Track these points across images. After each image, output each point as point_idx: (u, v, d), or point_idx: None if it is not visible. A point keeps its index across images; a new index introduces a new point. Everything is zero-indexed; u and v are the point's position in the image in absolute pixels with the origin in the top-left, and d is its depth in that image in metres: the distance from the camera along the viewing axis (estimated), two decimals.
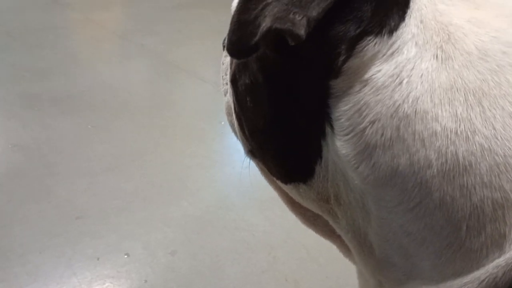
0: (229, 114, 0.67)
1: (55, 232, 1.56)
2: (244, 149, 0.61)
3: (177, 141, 2.04)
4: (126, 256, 1.50)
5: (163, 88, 2.47)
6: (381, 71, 0.43)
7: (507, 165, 0.41)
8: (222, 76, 0.73)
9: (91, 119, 2.15)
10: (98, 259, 1.48)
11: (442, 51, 0.43)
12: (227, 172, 1.88)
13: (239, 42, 0.44)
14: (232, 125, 0.65)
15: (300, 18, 0.41)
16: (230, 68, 0.58)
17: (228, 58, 0.68)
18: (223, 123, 2.17)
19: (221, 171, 1.89)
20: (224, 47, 0.75)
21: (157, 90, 2.46)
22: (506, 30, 0.44)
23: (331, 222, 0.55)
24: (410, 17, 0.44)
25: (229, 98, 0.64)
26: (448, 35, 0.44)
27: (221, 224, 1.63)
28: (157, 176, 1.83)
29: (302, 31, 0.41)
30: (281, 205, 1.90)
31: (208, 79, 2.55)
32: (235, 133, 0.64)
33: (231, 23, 0.45)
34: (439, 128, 0.42)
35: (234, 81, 0.56)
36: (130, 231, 1.59)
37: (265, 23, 0.42)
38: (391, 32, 0.44)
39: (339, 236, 0.57)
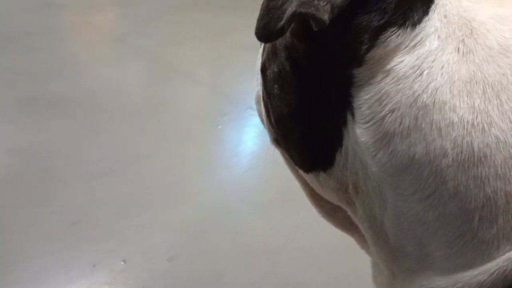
0: (258, 103, 0.69)
1: (52, 237, 1.54)
2: (270, 137, 0.63)
3: (175, 145, 2.02)
4: (123, 263, 1.48)
5: (160, 90, 2.45)
6: (403, 62, 0.45)
7: None
8: (257, 71, 0.76)
9: (88, 122, 2.13)
10: (94, 265, 1.46)
11: (463, 45, 0.45)
12: (226, 176, 1.87)
13: (267, 26, 0.46)
14: (260, 114, 0.68)
15: (324, 4, 0.43)
16: (262, 57, 0.60)
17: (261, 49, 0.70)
18: (220, 126, 2.16)
19: (220, 175, 1.87)
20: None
21: (154, 92, 2.44)
22: None
23: (349, 212, 0.56)
24: (434, 12, 0.46)
25: (258, 87, 0.66)
26: (471, 30, 0.45)
27: (220, 229, 1.61)
28: (155, 180, 1.81)
29: (325, 16, 0.43)
30: (281, 208, 1.89)
31: (205, 82, 2.54)
32: (263, 121, 0.66)
33: (261, 9, 0.48)
34: (456, 119, 0.43)
35: (263, 70, 0.58)
36: (128, 236, 1.57)
37: (291, 8, 0.44)
38: (414, 25, 0.45)
39: (357, 228, 0.58)
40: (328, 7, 0.43)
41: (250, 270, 1.48)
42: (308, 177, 0.58)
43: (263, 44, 0.63)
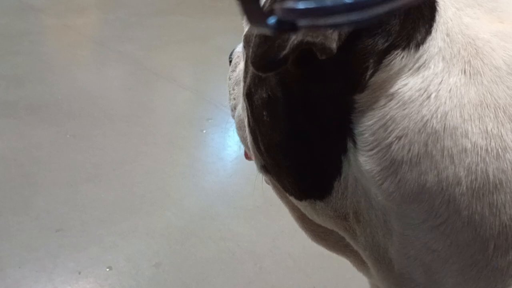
0: (240, 129, 0.65)
1: (34, 245, 1.51)
2: (257, 164, 0.60)
3: (158, 150, 2.00)
4: (108, 269, 1.46)
5: (142, 95, 2.43)
6: (407, 85, 0.43)
7: None
8: (229, 91, 0.71)
9: (69, 127, 2.10)
10: (79, 273, 1.44)
11: (470, 66, 0.43)
12: (211, 181, 1.86)
13: (267, 55, 0.42)
14: (243, 140, 0.64)
15: (331, 31, 0.40)
16: (244, 82, 0.56)
17: (236, 73, 0.67)
18: (204, 131, 2.15)
19: (204, 180, 1.86)
20: (230, 61, 0.73)
21: (136, 97, 2.42)
22: None
23: (347, 239, 0.54)
24: (437, 30, 0.44)
25: (241, 112, 0.62)
26: (476, 49, 0.43)
27: (205, 234, 1.60)
28: (139, 186, 1.79)
29: (334, 45, 0.40)
30: (267, 213, 1.88)
31: (188, 86, 2.53)
32: (247, 148, 0.63)
33: (256, 36, 0.44)
34: (469, 145, 0.41)
35: (249, 95, 0.54)
36: (112, 243, 1.55)
37: (296, 36, 0.40)
38: (417, 45, 0.43)
39: (352, 251, 0.56)
40: (335, 35, 0.40)
41: (236, 275, 1.47)
42: (301, 205, 0.56)
43: (237, 67, 0.60)
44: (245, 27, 0.57)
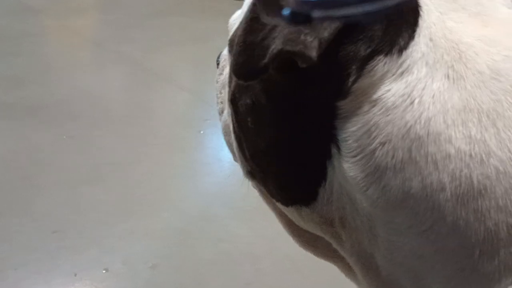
0: (226, 134, 0.65)
1: (31, 247, 1.51)
2: (243, 170, 0.60)
3: (157, 151, 2.00)
4: (105, 271, 1.45)
5: (141, 96, 2.43)
6: (390, 91, 0.42)
7: None
8: (217, 94, 0.72)
9: (68, 129, 2.10)
10: (76, 274, 1.44)
11: (453, 71, 0.42)
12: (209, 182, 1.85)
13: (247, 64, 0.43)
14: (230, 145, 0.64)
15: (311, 39, 0.40)
16: (229, 87, 0.56)
17: (223, 76, 0.67)
18: (202, 132, 2.14)
19: (202, 181, 1.86)
20: (218, 64, 0.73)
21: (135, 98, 2.42)
22: None
23: (334, 245, 0.53)
24: (420, 35, 0.43)
25: (226, 117, 0.62)
26: (459, 54, 0.43)
27: (203, 236, 1.60)
28: (137, 187, 1.79)
29: (314, 53, 0.40)
30: (265, 215, 1.87)
31: (187, 87, 2.52)
32: (233, 153, 0.62)
33: (236, 44, 0.44)
34: (452, 151, 0.41)
35: (233, 101, 0.54)
36: (109, 245, 1.54)
37: (275, 45, 0.40)
38: (400, 51, 0.43)
39: (339, 257, 0.55)
40: (315, 43, 0.40)
41: (234, 277, 1.47)
42: (288, 210, 0.55)
43: (224, 70, 0.59)
44: (230, 32, 0.57)
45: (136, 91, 2.48)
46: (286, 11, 0.32)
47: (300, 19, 0.32)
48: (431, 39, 0.43)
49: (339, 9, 0.30)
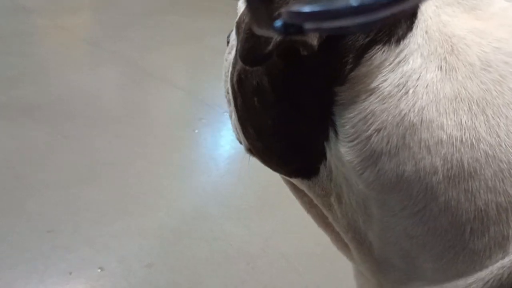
0: (229, 105, 0.68)
1: (26, 246, 1.51)
2: (244, 146, 0.62)
3: (152, 150, 2.00)
4: (100, 270, 1.45)
5: (135, 95, 2.42)
6: (387, 81, 0.44)
7: (511, 171, 0.43)
8: (225, 73, 0.74)
9: (62, 128, 2.09)
10: (70, 273, 1.43)
11: (446, 63, 0.45)
12: (203, 181, 1.85)
13: (252, 50, 0.45)
14: (230, 117, 0.66)
15: None
16: (234, 68, 0.58)
17: (232, 56, 0.68)
18: (196, 131, 2.14)
19: (197, 180, 1.86)
20: (228, 42, 0.75)
21: (130, 98, 2.42)
22: (508, 40, 0.46)
23: (330, 219, 0.55)
24: (417, 27, 0.45)
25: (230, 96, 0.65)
26: (452, 46, 0.45)
27: (198, 235, 1.60)
28: (132, 187, 1.79)
29: (315, 42, 0.42)
30: (259, 213, 1.88)
31: (182, 86, 2.52)
32: (235, 129, 0.65)
33: (243, 31, 0.46)
34: (444, 137, 0.43)
35: (239, 81, 0.57)
36: (104, 244, 1.54)
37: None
38: (398, 40, 0.45)
39: (333, 231, 0.58)
40: (317, 32, 0.42)
41: (229, 276, 1.47)
42: (292, 180, 0.58)
43: (233, 50, 0.62)
44: (238, 14, 0.59)
45: (131, 90, 2.48)
46: (278, 23, 0.32)
47: (292, 30, 0.32)
48: (426, 32, 0.46)
49: (331, 21, 0.30)
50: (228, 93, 0.73)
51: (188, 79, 2.69)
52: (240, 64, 0.56)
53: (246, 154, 0.67)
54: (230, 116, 0.72)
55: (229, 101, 0.73)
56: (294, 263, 1.51)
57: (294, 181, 0.58)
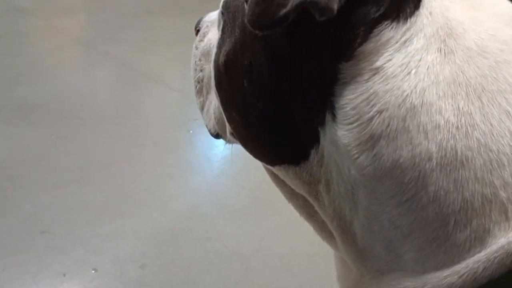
0: (201, 96, 0.68)
1: (19, 247, 1.51)
2: (222, 133, 0.62)
3: (146, 151, 2.00)
4: (93, 271, 1.45)
5: (130, 96, 2.42)
6: (392, 60, 0.44)
7: (499, 161, 0.42)
8: (195, 61, 0.73)
9: (56, 129, 2.09)
10: (64, 275, 1.43)
11: (445, 45, 0.45)
12: (198, 182, 1.85)
13: (265, 13, 0.43)
14: (201, 107, 0.68)
15: None
16: (219, 49, 0.57)
17: (204, 43, 0.67)
18: (191, 131, 2.14)
19: (191, 181, 1.86)
20: (197, 31, 0.75)
21: (124, 98, 2.41)
22: (502, 29, 0.46)
23: (316, 207, 0.54)
24: (423, 7, 0.46)
25: (206, 82, 0.64)
26: (451, 29, 0.45)
27: (192, 235, 1.60)
28: (126, 188, 1.79)
29: (335, 5, 0.41)
30: (253, 214, 1.88)
31: (176, 87, 2.52)
32: (204, 114, 0.65)
33: None
34: (442, 121, 0.43)
35: (226, 63, 0.55)
36: (98, 245, 1.54)
37: None
38: (406, 18, 0.45)
39: (317, 221, 0.57)
40: None
41: (223, 276, 1.47)
42: (274, 169, 0.57)
43: (219, 35, 0.59)
44: None
45: (125, 91, 2.48)
46: None
47: None
48: (430, 13, 0.46)
49: None
50: (199, 82, 0.72)
51: (183, 80, 2.68)
52: (229, 44, 0.55)
53: (240, 155, 0.67)
54: (201, 108, 0.71)
55: (199, 91, 0.71)
56: (288, 263, 1.51)
57: (276, 170, 0.56)
